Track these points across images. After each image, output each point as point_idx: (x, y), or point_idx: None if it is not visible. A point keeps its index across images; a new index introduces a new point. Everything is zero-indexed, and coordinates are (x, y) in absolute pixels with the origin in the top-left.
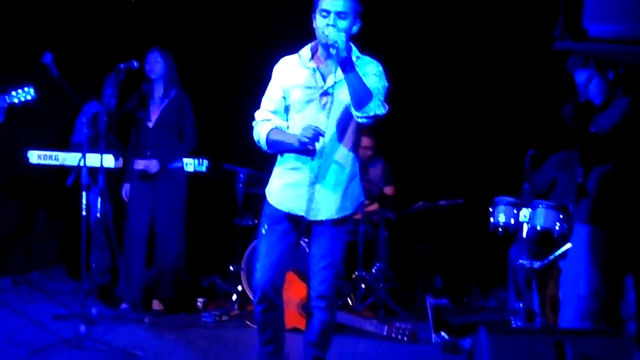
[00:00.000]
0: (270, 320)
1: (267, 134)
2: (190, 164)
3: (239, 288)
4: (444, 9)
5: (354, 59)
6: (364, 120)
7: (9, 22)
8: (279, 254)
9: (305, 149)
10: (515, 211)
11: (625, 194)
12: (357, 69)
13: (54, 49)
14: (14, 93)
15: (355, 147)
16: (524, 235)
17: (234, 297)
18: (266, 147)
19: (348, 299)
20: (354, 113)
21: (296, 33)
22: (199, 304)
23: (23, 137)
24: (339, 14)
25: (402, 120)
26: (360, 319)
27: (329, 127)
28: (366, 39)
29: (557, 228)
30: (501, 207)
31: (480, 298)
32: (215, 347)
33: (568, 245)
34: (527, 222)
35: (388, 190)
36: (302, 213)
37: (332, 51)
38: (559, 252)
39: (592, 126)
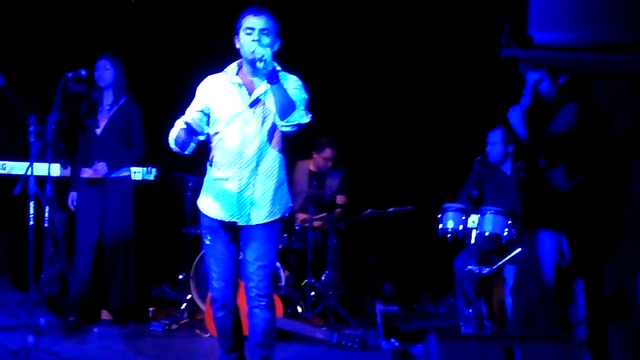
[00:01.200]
0: (232, 325)
1: (170, 134)
2: (138, 173)
3: (188, 297)
4: (395, 19)
5: (263, 83)
6: (288, 129)
7: None
8: (230, 259)
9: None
10: (463, 217)
11: (575, 198)
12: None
13: (1, 58)
14: None
15: (283, 155)
16: (473, 241)
17: (183, 305)
18: (174, 146)
19: (298, 306)
20: (278, 123)
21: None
22: (148, 313)
23: None
24: (262, 30)
25: (351, 128)
26: (310, 327)
27: (259, 137)
28: (311, 52)
29: (505, 234)
30: (450, 214)
31: (430, 304)
32: (165, 356)
33: (517, 251)
34: (476, 228)
35: (340, 199)
36: (234, 219)
37: (259, 64)
38: (508, 257)
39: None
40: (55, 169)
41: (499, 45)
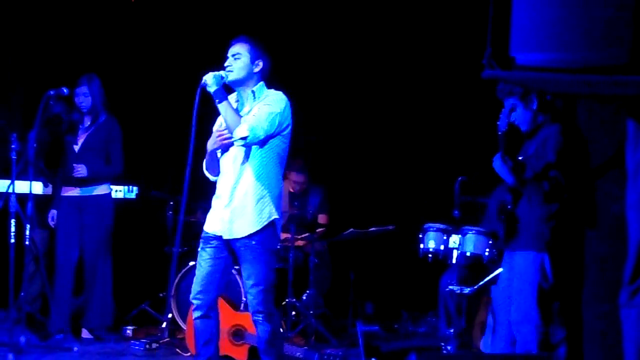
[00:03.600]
0: (202, 329)
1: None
2: (120, 191)
3: (169, 315)
4: (378, 38)
5: (249, 93)
6: (238, 143)
7: None
8: (210, 268)
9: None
10: (445, 237)
11: (556, 220)
12: (255, 102)
13: None
14: None
15: (264, 170)
16: (454, 261)
17: (164, 324)
18: (205, 171)
19: None
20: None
21: None
22: (128, 332)
23: None
24: (234, 55)
25: (333, 148)
26: (291, 346)
27: (239, 154)
28: (295, 68)
29: (486, 254)
30: (431, 234)
31: (410, 324)
32: None
33: (498, 271)
34: (457, 248)
35: (322, 218)
36: (219, 233)
37: (202, 83)
38: (489, 277)
39: (520, 154)
40: (37, 187)
41: (481, 65)
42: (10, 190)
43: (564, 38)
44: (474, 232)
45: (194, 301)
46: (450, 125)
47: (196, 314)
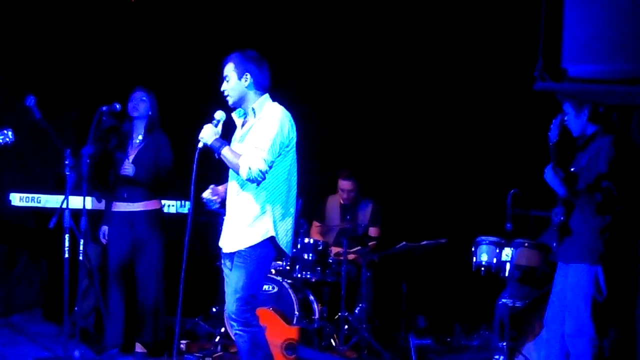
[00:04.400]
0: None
1: None
2: (172, 206)
3: (222, 330)
4: (430, 50)
5: (250, 112)
6: (246, 180)
7: None
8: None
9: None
10: (497, 250)
11: (609, 232)
12: (255, 119)
13: (38, 91)
14: None
15: (265, 188)
16: (507, 274)
17: (217, 338)
18: None
19: (331, 339)
20: None
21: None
22: (181, 346)
23: (5, 179)
24: (224, 78)
25: (385, 161)
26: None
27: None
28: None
29: (539, 267)
30: (484, 247)
31: (463, 337)
32: None
33: (551, 284)
34: (510, 262)
35: (373, 231)
36: (222, 246)
37: (199, 145)
38: (543, 291)
39: (573, 165)
40: (90, 202)
41: (532, 78)
42: (65, 206)
43: (617, 49)
44: (526, 244)
45: (226, 318)
46: (502, 138)
47: (232, 330)
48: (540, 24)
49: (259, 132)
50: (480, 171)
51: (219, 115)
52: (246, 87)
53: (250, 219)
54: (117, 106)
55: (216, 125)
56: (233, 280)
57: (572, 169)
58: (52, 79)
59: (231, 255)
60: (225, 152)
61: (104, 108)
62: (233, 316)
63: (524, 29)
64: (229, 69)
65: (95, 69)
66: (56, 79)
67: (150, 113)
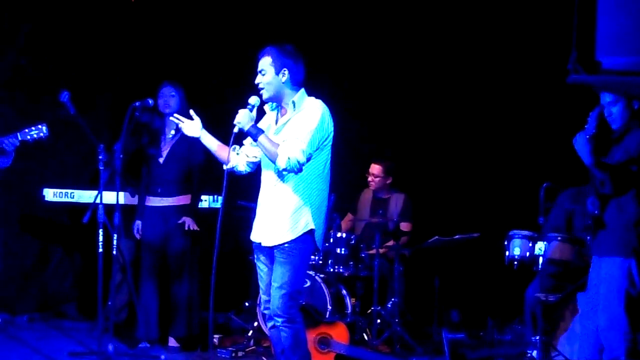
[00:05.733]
0: (275, 338)
1: None
2: (205, 200)
3: (255, 324)
4: (465, 43)
5: (289, 105)
6: (280, 170)
7: (28, 63)
8: (268, 278)
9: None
10: (530, 244)
11: None
12: (295, 113)
13: (71, 87)
14: (26, 131)
15: (303, 181)
16: (539, 268)
17: (250, 333)
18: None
19: (364, 334)
20: None
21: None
22: (214, 340)
23: (39, 174)
24: (260, 72)
25: (417, 155)
26: (377, 354)
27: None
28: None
29: (573, 260)
30: (516, 241)
31: (496, 332)
32: None
33: (585, 278)
34: (543, 255)
35: (405, 226)
36: (259, 240)
37: (235, 129)
38: (576, 285)
39: (607, 158)
40: (123, 197)
41: (566, 70)
42: (98, 201)
43: None
44: (559, 238)
45: (265, 312)
46: (536, 131)
47: (270, 323)
48: (574, 16)
49: (300, 125)
50: (513, 165)
51: (254, 100)
52: (283, 83)
53: (290, 212)
54: (150, 101)
55: (251, 110)
56: (277, 275)
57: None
58: (85, 75)
59: (268, 250)
60: (263, 140)
61: (137, 103)
62: (278, 312)
63: (558, 21)
64: (266, 63)
65: (130, 64)
66: (89, 74)
67: (180, 108)
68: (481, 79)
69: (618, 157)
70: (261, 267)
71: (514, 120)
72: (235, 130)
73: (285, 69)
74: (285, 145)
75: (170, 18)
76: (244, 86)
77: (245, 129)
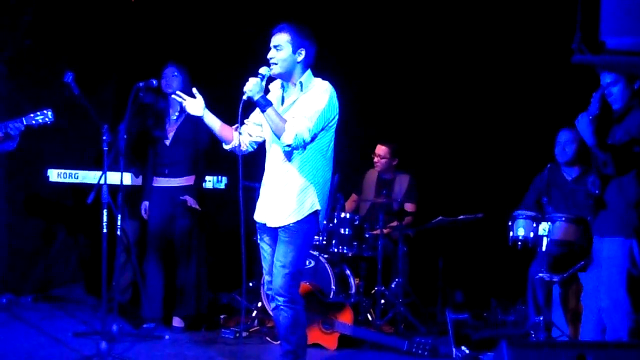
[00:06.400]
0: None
1: None
2: (209, 181)
3: (259, 304)
4: (465, 24)
5: (297, 86)
6: (284, 148)
7: (33, 43)
8: (269, 260)
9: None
10: (534, 225)
11: None
12: (302, 93)
13: (75, 67)
14: (32, 115)
15: (308, 161)
16: (544, 248)
17: (254, 313)
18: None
19: (368, 314)
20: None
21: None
22: (219, 320)
23: (43, 155)
24: (275, 47)
25: (421, 136)
26: (380, 334)
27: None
28: (377, 59)
29: (576, 241)
30: (520, 221)
31: (500, 312)
32: None
33: (588, 258)
34: (547, 236)
35: (409, 206)
36: (264, 221)
37: (244, 97)
38: (579, 265)
39: (609, 138)
40: (127, 178)
41: (570, 50)
42: (102, 182)
43: None
44: (563, 219)
45: (269, 292)
46: (540, 111)
47: (273, 304)
48: None
49: (307, 104)
50: (517, 145)
51: (265, 70)
52: (298, 62)
53: (295, 193)
54: (154, 82)
55: (262, 80)
56: (280, 255)
57: (608, 142)
58: (89, 55)
59: (272, 230)
60: (271, 112)
61: (141, 84)
62: (281, 291)
63: (563, 2)
64: (283, 39)
65: (134, 44)
66: (94, 55)
67: (183, 88)
68: (485, 60)
69: (619, 137)
70: (265, 247)
71: (519, 100)
72: (245, 97)
73: (302, 48)
74: (293, 122)
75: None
76: (249, 66)
77: (255, 98)
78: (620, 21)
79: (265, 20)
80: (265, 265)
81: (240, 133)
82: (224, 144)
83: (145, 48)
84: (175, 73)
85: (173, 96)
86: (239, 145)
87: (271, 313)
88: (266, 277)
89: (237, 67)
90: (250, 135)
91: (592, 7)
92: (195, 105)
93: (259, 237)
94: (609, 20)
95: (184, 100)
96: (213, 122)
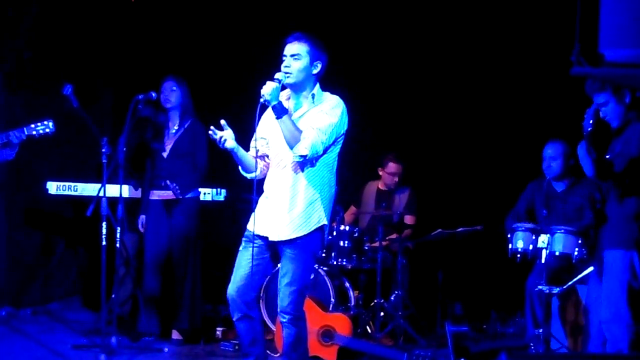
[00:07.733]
0: (245, 330)
1: None
2: (208, 194)
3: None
4: (464, 37)
5: (308, 98)
6: (297, 159)
7: (32, 56)
8: (248, 269)
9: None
10: (533, 237)
11: None
12: (313, 106)
13: (74, 80)
14: (33, 126)
15: (316, 175)
16: (543, 260)
17: None
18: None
19: (367, 326)
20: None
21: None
22: (217, 333)
23: (42, 167)
24: (292, 56)
25: (420, 149)
26: (380, 347)
27: (290, 156)
28: (378, 70)
29: (575, 253)
30: (519, 233)
31: (499, 324)
32: None
33: (588, 270)
34: (546, 248)
35: (409, 219)
36: (266, 234)
37: (262, 99)
38: (579, 277)
39: (608, 152)
40: (126, 190)
41: (569, 63)
42: (101, 194)
43: None
44: (562, 231)
45: (232, 301)
46: (539, 124)
47: (236, 315)
48: (577, 8)
49: (320, 117)
50: (515, 158)
51: (280, 75)
52: (313, 74)
53: (303, 207)
54: (153, 95)
55: (278, 86)
56: (286, 272)
57: (607, 156)
58: (88, 68)
59: (271, 244)
60: (287, 120)
61: (140, 96)
62: (287, 309)
63: (561, 13)
64: (303, 49)
65: (133, 57)
66: (93, 67)
67: (182, 102)
68: (484, 72)
69: (619, 149)
70: (246, 256)
71: (517, 112)
72: (261, 100)
73: (319, 61)
74: (308, 132)
75: (174, 11)
76: (247, 80)
77: (272, 103)
78: (619, 33)
79: (265, 32)
80: (237, 273)
81: (260, 158)
82: (246, 173)
83: (144, 60)
84: (174, 87)
85: (209, 132)
86: (260, 172)
87: (271, 325)
88: (230, 287)
89: (236, 80)
90: (266, 160)
91: (591, 19)
92: (229, 137)
93: (243, 245)
94: (608, 33)
95: (216, 135)
96: (243, 153)
